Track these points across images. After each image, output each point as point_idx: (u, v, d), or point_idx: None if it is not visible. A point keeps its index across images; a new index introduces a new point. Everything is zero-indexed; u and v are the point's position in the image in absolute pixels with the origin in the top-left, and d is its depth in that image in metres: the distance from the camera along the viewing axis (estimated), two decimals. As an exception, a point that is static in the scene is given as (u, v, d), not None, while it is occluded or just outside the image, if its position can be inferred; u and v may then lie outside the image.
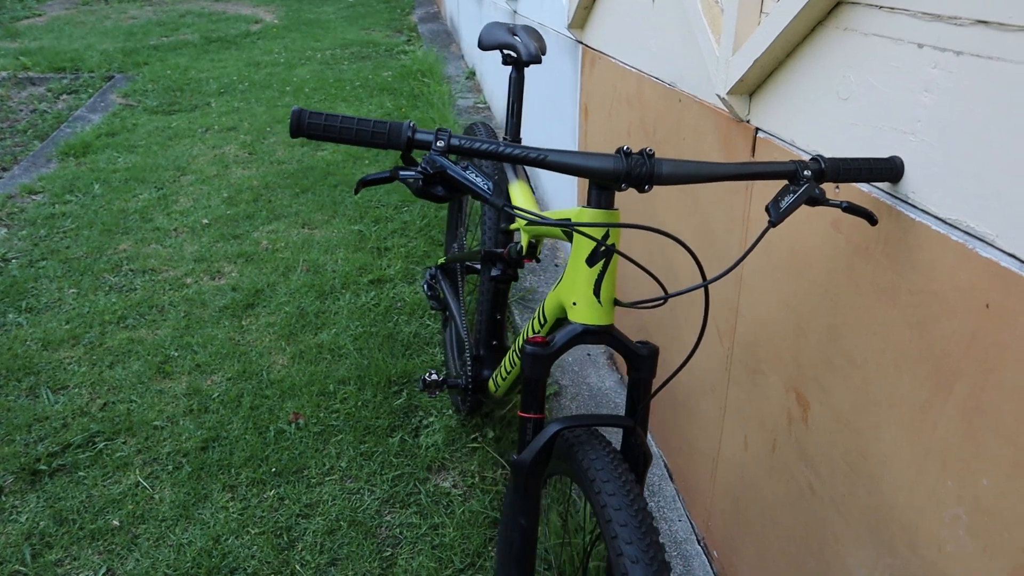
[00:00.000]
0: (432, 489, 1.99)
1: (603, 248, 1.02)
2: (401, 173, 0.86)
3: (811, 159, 1.02)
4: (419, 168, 0.86)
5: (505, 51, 1.70)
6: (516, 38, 1.66)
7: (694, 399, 1.83)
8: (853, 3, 1.12)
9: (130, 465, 2.05)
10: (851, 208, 1.02)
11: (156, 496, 1.94)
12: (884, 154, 1.08)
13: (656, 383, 1.09)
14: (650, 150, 0.94)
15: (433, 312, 2.79)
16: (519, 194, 1.59)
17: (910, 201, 1.03)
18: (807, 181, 0.98)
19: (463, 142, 0.89)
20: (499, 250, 1.72)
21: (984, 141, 0.90)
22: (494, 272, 1.73)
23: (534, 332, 1.29)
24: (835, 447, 1.24)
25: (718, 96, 1.50)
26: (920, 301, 1.01)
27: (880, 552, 1.13)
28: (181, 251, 3.24)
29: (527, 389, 1.06)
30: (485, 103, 5.69)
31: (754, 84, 1.41)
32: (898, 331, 1.06)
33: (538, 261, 1.50)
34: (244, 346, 2.59)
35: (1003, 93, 0.87)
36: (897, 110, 1.04)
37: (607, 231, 1.01)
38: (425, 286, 2.30)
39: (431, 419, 2.24)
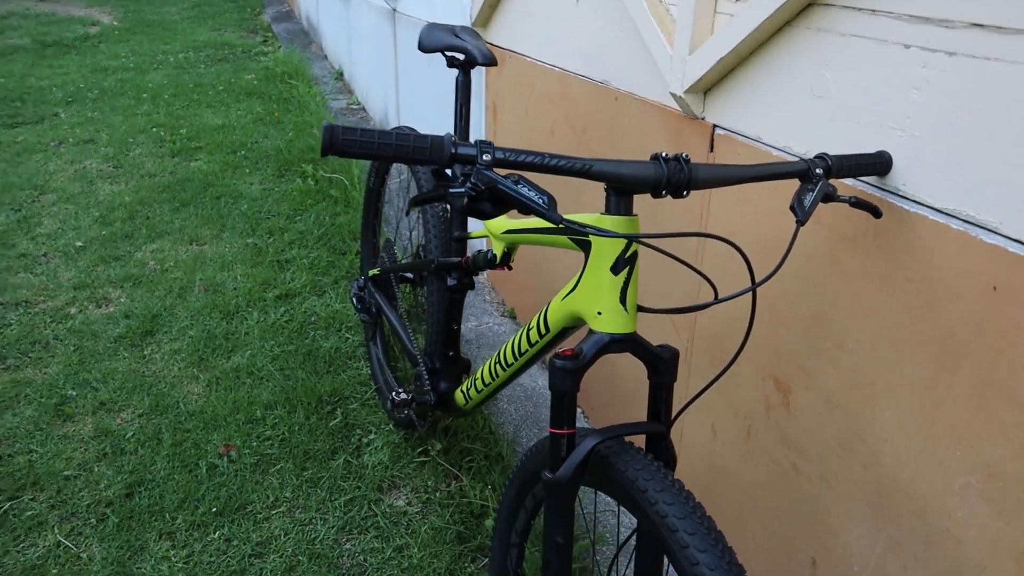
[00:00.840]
0: (388, 510, 1.91)
1: (628, 255, 1.01)
2: (451, 191, 0.81)
3: (817, 157, 1.05)
4: (469, 184, 0.81)
5: (449, 53, 1.65)
6: (461, 40, 1.62)
7: (642, 391, 1.87)
8: (827, 5, 1.17)
9: (45, 524, 1.83)
10: (858, 203, 1.07)
11: (83, 555, 1.74)
12: (866, 149, 1.14)
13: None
14: (686, 155, 0.93)
15: (355, 325, 2.68)
16: None
17: (901, 193, 1.09)
18: (820, 179, 1.01)
19: (508, 155, 0.85)
20: (455, 259, 1.67)
21: (985, 136, 0.96)
22: (450, 282, 1.68)
23: (531, 343, 1.26)
24: (824, 428, 1.30)
25: (672, 95, 1.52)
26: (920, 287, 1.08)
27: (882, 523, 1.20)
28: (56, 278, 2.93)
29: (559, 404, 1.03)
30: (359, 104, 5.55)
31: (711, 83, 1.45)
32: (895, 316, 1.12)
33: (510, 269, 1.48)
34: (151, 377, 2.38)
35: (1005, 92, 0.93)
36: (883, 107, 1.10)
37: (628, 239, 1.00)
38: (354, 299, 2.20)
39: (371, 436, 2.15)
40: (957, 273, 1.02)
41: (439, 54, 1.66)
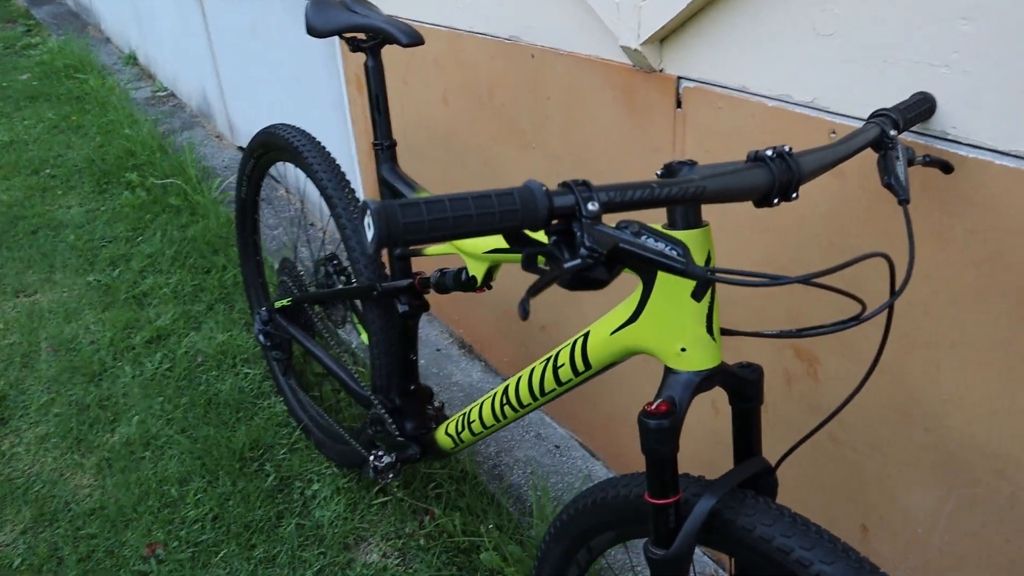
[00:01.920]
0: (364, 571, 1.67)
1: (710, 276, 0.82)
2: (567, 266, 0.58)
3: (879, 116, 0.89)
4: (584, 252, 0.58)
5: (348, 35, 1.35)
6: (364, 16, 1.32)
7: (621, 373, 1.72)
8: (826, -73, 1.00)
9: None
10: (932, 161, 0.93)
11: None
12: (896, 92, 1.00)
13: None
14: (788, 148, 0.74)
15: (251, 356, 2.34)
16: None
17: (951, 137, 0.96)
18: (895, 140, 0.86)
19: (614, 195, 0.62)
20: (404, 281, 1.41)
21: (1065, 62, 0.84)
22: (402, 308, 1.43)
23: (562, 382, 1.04)
24: (868, 395, 1.19)
25: (623, 48, 1.32)
26: (986, 238, 0.96)
27: (952, 484, 1.12)
28: None
29: (658, 472, 0.85)
30: (167, 90, 4.90)
31: (670, 30, 1.26)
32: (956, 272, 1.01)
33: (490, 289, 1.24)
34: (21, 479, 1.95)
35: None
36: (918, 43, 0.95)
37: (708, 256, 0.81)
38: (260, 336, 1.88)
39: (316, 486, 1.87)
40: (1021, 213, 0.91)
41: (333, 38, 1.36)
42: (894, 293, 0.78)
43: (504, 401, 1.16)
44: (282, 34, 2.81)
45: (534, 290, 0.58)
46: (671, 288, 0.83)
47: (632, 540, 1.04)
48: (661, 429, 0.82)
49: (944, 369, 1.08)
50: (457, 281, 1.24)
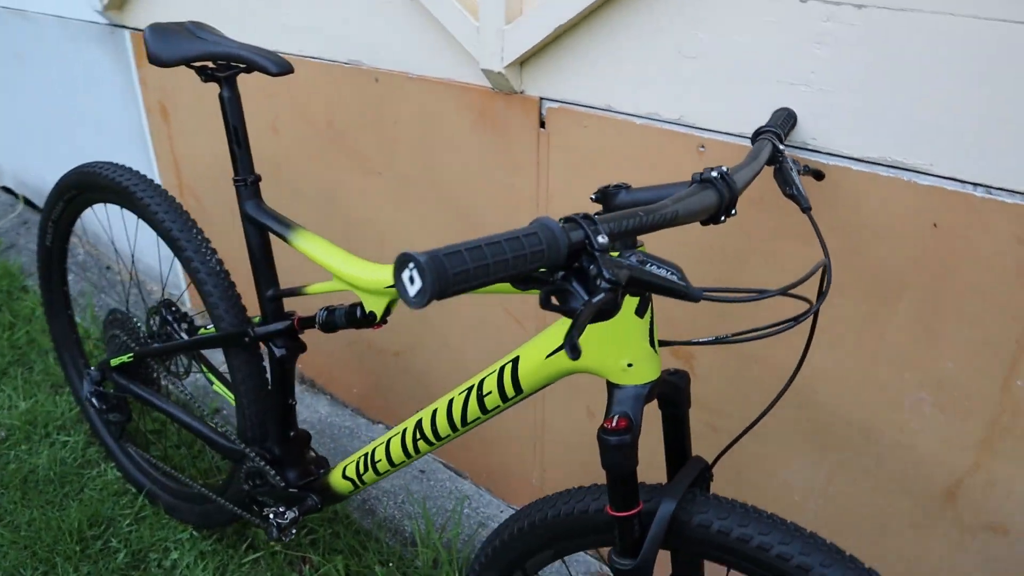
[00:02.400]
0: (249, 636, 1.54)
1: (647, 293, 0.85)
2: (595, 300, 0.57)
3: (764, 133, 0.98)
4: (605, 285, 0.57)
5: (200, 64, 1.23)
6: (215, 43, 1.21)
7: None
8: (686, -41, 1.08)
9: None
10: (808, 170, 1.03)
11: None
12: (757, 108, 1.10)
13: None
14: (725, 169, 0.79)
15: (67, 423, 2.06)
16: (314, 247, 1.22)
17: (811, 147, 1.08)
18: (784, 155, 0.94)
19: (613, 226, 0.61)
20: (281, 324, 1.31)
21: (909, 84, 0.97)
22: (279, 352, 1.33)
23: (487, 410, 1.03)
24: (742, 384, 1.30)
25: (485, 71, 1.33)
26: (847, 234, 1.09)
27: (825, 452, 1.26)
28: None
29: (620, 486, 0.87)
30: None
31: (532, 53, 1.28)
32: (811, 258, 1.13)
33: (386, 323, 1.19)
34: None
35: (924, 40, 0.94)
36: (778, 64, 1.06)
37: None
38: (93, 400, 1.66)
39: (174, 554, 1.70)
40: (891, 216, 1.04)
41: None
42: (822, 295, 0.85)
43: (417, 436, 1.13)
44: (63, 61, 2.50)
45: (579, 328, 0.57)
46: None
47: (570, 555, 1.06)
48: (623, 444, 0.84)
49: (813, 350, 1.20)
50: (351, 318, 1.18)
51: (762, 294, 0.77)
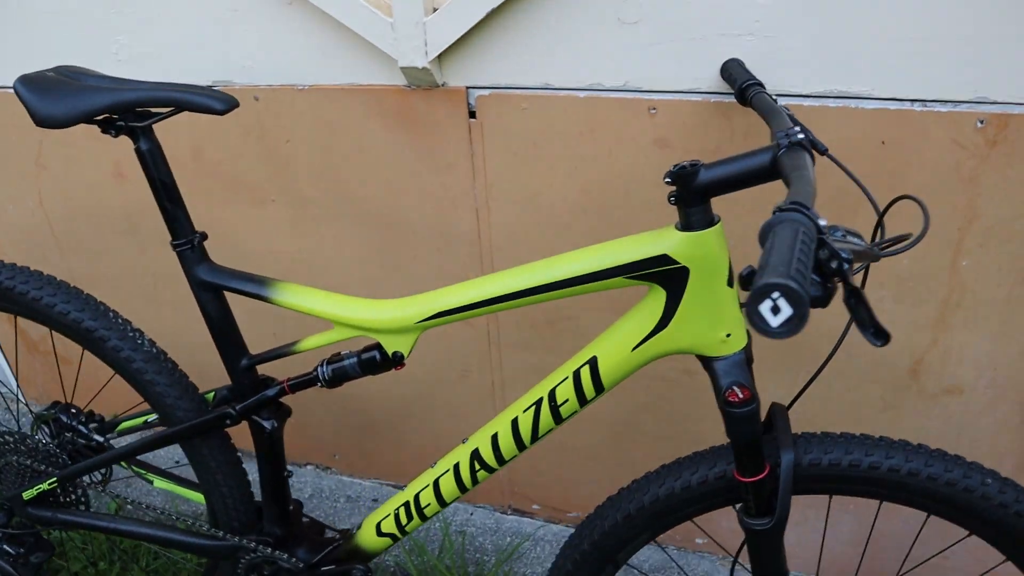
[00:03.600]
0: None
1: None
2: (851, 283, 0.55)
3: (752, 84, 1.02)
4: (846, 267, 0.55)
5: (109, 116, 1.00)
6: (132, 89, 0.99)
7: (442, 389, 1.66)
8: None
9: None
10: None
11: None
12: (704, 63, 1.15)
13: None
14: (798, 128, 0.80)
15: None
16: (306, 298, 1.06)
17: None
18: (777, 103, 0.98)
19: (809, 200, 0.60)
20: (271, 391, 1.14)
21: (843, 19, 1.06)
22: (269, 425, 1.16)
23: (562, 416, 0.99)
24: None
25: (404, 68, 1.25)
26: (803, 165, 1.18)
27: (801, 364, 1.37)
28: None
29: (749, 452, 0.88)
30: None
31: (457, 42, 1.23)
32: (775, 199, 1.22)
33: (404, 365, 1.07)
34: None
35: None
36: (724, 18, 1.11)
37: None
38: (4, 546, 1.35)
39: None
40: (846, 139, 1.14)
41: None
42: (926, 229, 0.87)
43: (477, 467, 1.06)
44: None
45: (869, 312, 0.56)
46: (707, 283, 0.86)
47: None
48: (751, 414, 0.85)
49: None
50: (370, 365, 1.06)
51: (916, 238, 0.77)
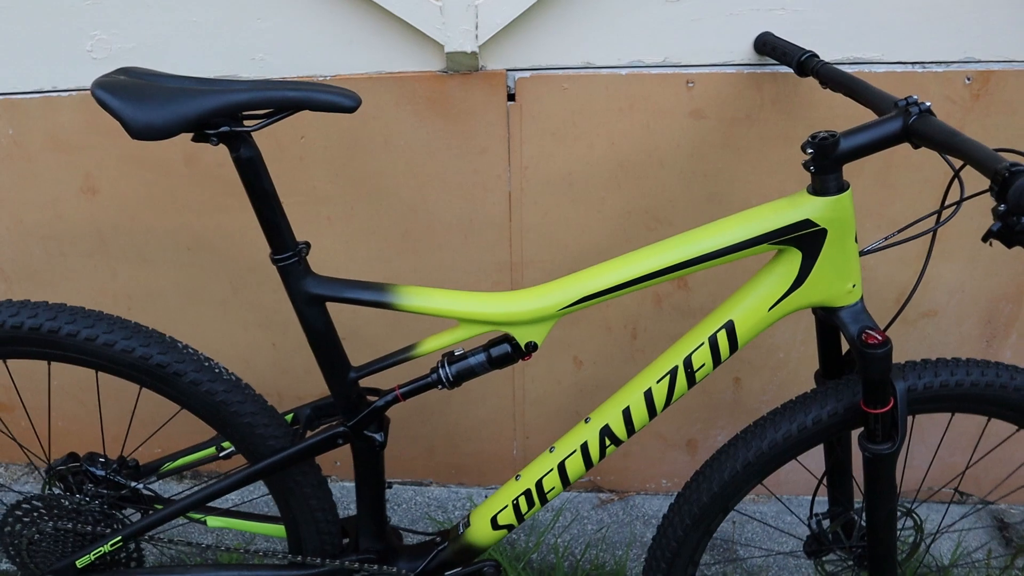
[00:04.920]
0: None
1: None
2: None
3: (808, 54, 1.13)
4: None
5: (211, 127, 0.90)
6: (243, 90, 0.89)
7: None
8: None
9: None
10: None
11: None
12: (738, 38, 1.25)
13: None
14: (915, 98, 0.91)
15: None
16: (432, 298, 1.02)
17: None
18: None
19: None
20: (382, 401, 1.08)
21: (864, -8, 1.21)
22: (379, 437, 1.11)
23: (696, 382, 1.05)
24: (725, 287, 1.49)
25: (450, 54, 1.24)
26: (829, 122, 1.31)
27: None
28: None
29: (879, 387, 0.98)
30: None
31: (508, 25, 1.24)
32: (796, 158, 1.35)
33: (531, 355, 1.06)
34: None
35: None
36: (757, -6, 1.22)
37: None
38: None
39: None
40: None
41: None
42: (963, 195, 1.01)
43: (607, 442, 1.09)
44: None
45: None
46: (841, 242, 0.96)
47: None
48: (887, 353, 0.96)
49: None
50: (501, 358, 1.04)
51: None
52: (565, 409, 1.67)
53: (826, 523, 1.24)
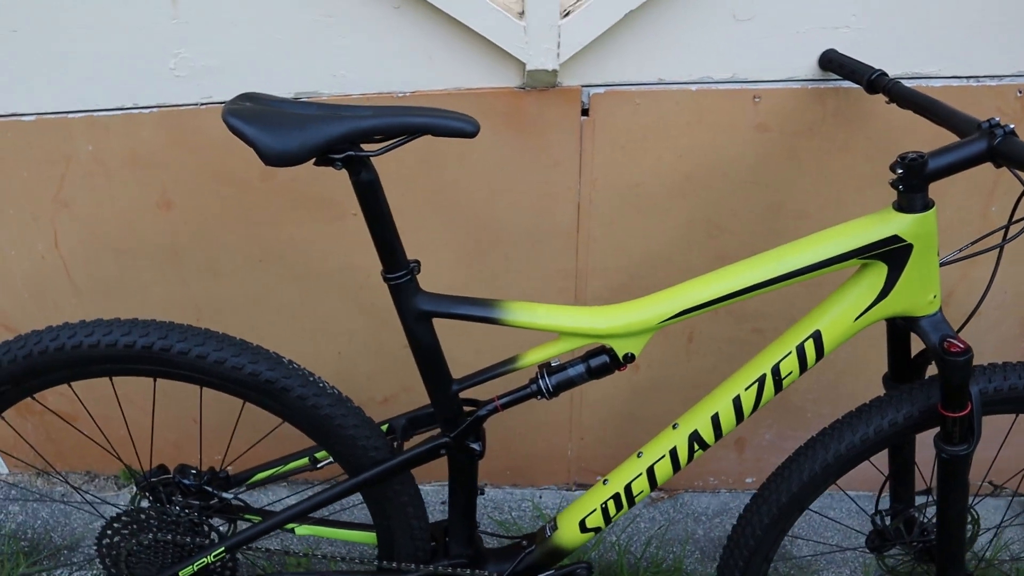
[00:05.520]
0: None
1: None
2: None
3: (878, 73, 1.18)
4: None
5: (336, 152, 0.94)
6: (369, 117, 0.92)
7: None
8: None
9: None
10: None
11: None
12: (803, 55, 1.31)
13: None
14: (998, 119, 0.96)
15: None
16: (536, 313, 1.06)
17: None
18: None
19: None
20: (483, 411, 1.12)
21: (913, 15, 1.27)
22: (477, 447, 1.15)
23: (782, 389, 1.10)
24: (781, 296, 1.54)
25: (531, 72, 1.29)
26: (885, 136, 1.38)
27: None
28: None
29: (959, 391, 1.04)
30: None
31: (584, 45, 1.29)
32: (857, 172, 1.41)
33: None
34: None
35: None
36: (824, 13, 1.27)
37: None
38: None
39: None
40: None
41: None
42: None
43: (695, 447, 1.14)
44: None
45: None
46: (925, 256, 1.02)
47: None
48: (968, 361, 1.02)
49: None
50: (601, 368, 1.09)
51: None
52: (620, 411, 1.72)
53: (888, 520, 1.31)
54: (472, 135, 0.96)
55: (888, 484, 1.30)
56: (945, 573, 1.22)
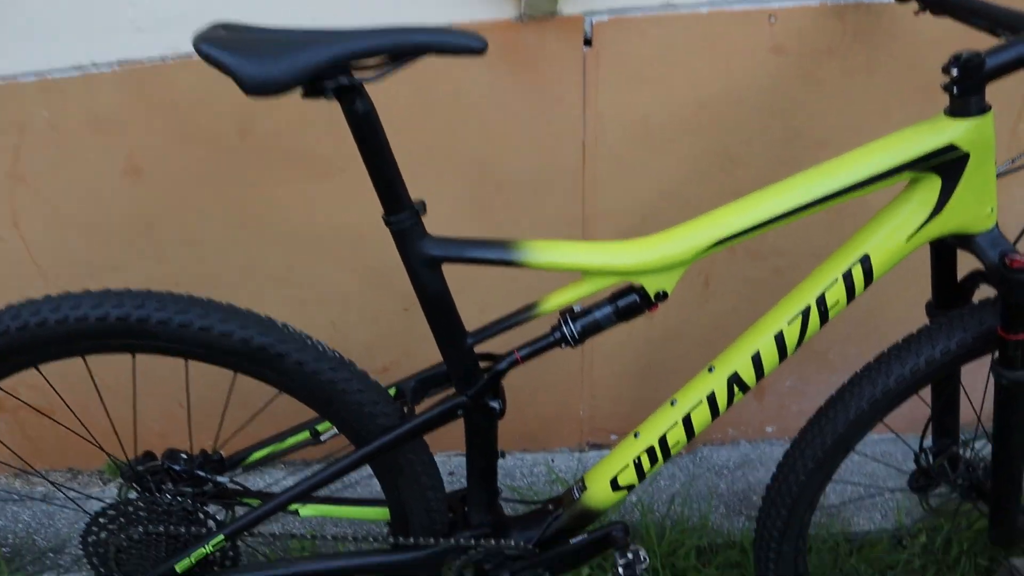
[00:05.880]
0: None
1: None
2: None
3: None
4: None
5: (327, 78, 0.82)
6: (362, 37, 0.82)
7: None
8: None
9: None
10: None
11: None
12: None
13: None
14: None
15: None
16: (558, 252, 0.96)
17: (870, -6, 1.23)
18: None
19: None
20: (501, 365, 1.02)
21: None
22: (496, 404, 1.05)
23: (828, 319, 1.02)
24: (802, 230, 1.46)
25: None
26: (911, 46, 1.28)
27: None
28: None
29: (1021, 313, 0.96)
30: None
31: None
32: (881, 91, 1.32)
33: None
34: None
35: None
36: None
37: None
38: None
39: None
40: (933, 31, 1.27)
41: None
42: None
43: (736, 389, 1.06)
44: None
45: None
46: (982, 165, 0.93)
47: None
48: None
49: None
50: (628, 310, 0.99)
51: None
52: (634, 365, 1.63)
53: (932, 458, 1.24)
54: (481, 52, 0.85)
55: (930, 421, 1.23)
56: (1000, 509, 1.16)
